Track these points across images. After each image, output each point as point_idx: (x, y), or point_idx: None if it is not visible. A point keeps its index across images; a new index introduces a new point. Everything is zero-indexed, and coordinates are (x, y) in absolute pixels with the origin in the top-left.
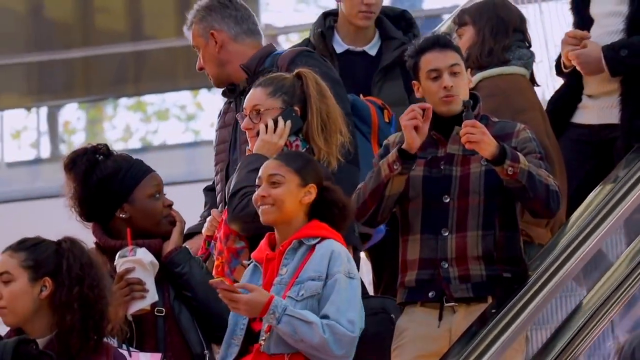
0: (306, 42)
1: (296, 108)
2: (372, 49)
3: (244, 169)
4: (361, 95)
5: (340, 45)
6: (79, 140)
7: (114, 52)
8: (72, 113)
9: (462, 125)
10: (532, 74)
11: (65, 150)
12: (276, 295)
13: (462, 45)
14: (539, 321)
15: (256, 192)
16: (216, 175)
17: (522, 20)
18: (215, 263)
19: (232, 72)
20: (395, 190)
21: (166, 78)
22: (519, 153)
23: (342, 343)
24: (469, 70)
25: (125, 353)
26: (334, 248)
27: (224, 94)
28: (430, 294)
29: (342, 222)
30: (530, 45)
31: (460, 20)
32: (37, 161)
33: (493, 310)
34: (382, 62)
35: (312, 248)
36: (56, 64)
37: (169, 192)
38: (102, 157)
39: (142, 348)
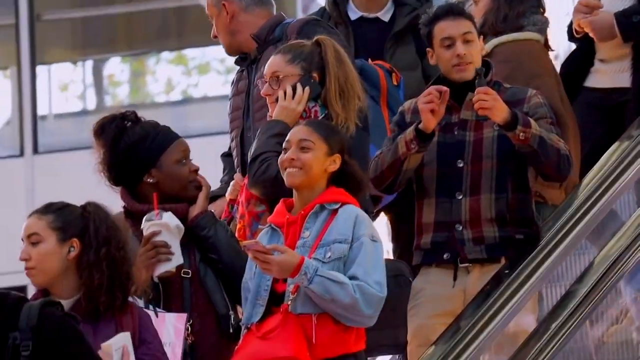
0: (322, 10)
1: (314, 74)
2: (385, 15)
3: (263, 135)
4: (369, 60)
5: (354, 12)
6: (123, 93)
7: (157, 7)
8: (116, 66)
9: (475, 92)
10: (546, 40)
11: (110, 102)
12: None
13: (478, 12)
14: (553, 278)
15: (284, 155)
16: (232, 141)
17: None
18: (237, 226)
19: (243, 41)
20: (413, 165)
21: (207, 33)
22: (530, 119)
23: (371, 303)
24: (482, 37)
25: (151, 313)
26: (358, 212)
27: (236, 62)
28: (445, 256)
29: (358, 194)
30: (544, 11)
31: None
32: (84, 112)
33: (506, 271)
34: (395, 27)
35: (333, 212)
36: (101, 19)
37: (210, 143)
38: (130, 123)
39: (169, 309)
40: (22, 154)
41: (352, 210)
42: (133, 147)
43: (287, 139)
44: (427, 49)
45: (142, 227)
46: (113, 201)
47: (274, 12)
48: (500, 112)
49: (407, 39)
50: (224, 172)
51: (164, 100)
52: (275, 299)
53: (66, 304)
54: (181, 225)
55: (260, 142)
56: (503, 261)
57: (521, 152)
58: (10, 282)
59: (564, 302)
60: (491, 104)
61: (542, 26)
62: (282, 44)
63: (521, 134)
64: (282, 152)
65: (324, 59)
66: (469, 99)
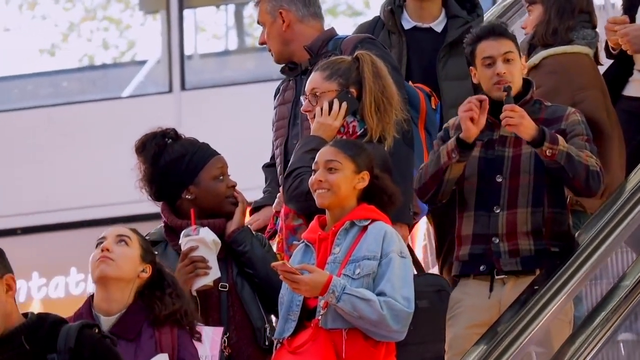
0: (376, 19)
1: (352, 90)
2: (438, 26)
3: (299, 150)
4: (410, 82)
5: (407, 22)
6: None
7: None
8: (255, 9)
9: (502, 110)
10: (596, 53)
11: (249, 42)
12: (333, 274)
13: (531, 23)
14: (595, 276)
15: (313, 177)
16: (275, 149)
17: (588, 2)
18: (277, 239)
19: (295, 51)
20: (455, 174)
21: None
22: (558, 136)
23: (399, 318)
24: (524, 56)
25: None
26: (386, 229)
27: (282, 71)
28: (482, 268)
29: (389, 208)
30: (595, 26)
31: None
32: (226, 53)
33: (535, 287)
34: (448, 38)
35: (363, 229)
36: None
37: None
38: (170, 140)
39: (206, 321)
40: (170, 90)
41: (381, 227)
42: (172, 164)
43: (315, 160)
44: (470, 67)
45: (180, 242)
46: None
47: (324, 27)
48: (527, 129)
49: (459, 50)
50: (265, 182)
51: None
52: (308, 313)
53: (111, 320)
54: (218, 240)
55: (296, 158)
56: (537, 273)
57: (549, 168)
58: None
59: (604, 303)
60: (517, 121)
61: (592, 40)
62: None
63: (548, 150)
64: (312, 173)
65: (360, 73)
66: None
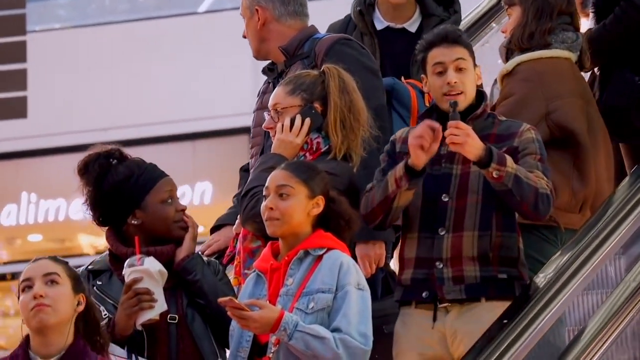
0: (348, 18)
1: (317, 105)
2: (412, 26)
3: (257, 168)
4: (402, 78)
5: (380, 22)
6: None
7: None
8: None
9: (447, 126)
10: (581, 58)
11: None
12: (285, 308)
13: (509, 26)
14: (590, 286)
15: (264, 203)
16: (252, 158)
17: (569, 2)
18: (235, 262)
19: (271, 50)
20: (404, 202)
21: None
22: (507, 156)
23: (355, 356)
24: (478, 66)
25: None
26: (342, 259)
27: (264, 71)
28: (424, 294)
29: (347, 233)
30: (577, 29)
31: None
32: None
33: (505, 321)
34: None
35: (318, 258)
36: None
37: None
38: (115, 161)
39: (153, 356)
40: None
41: (337, 257)
42: (116, 186)
43: (265, 184)
44: (422, 75)
45: (123, 273)
46: None
47: (308, 24)
48: (472, 148)
49: None
50: (238, 188)
51: None
52: (259, 349)
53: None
54: (164, 270)
55: (253, 176)
56: (483, 301)
57: (496, 191)
58: None
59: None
60: (462, 139)
61: (572, 44)
62: (309, 60)
63: (495, 172)
64: (263, 198)
65: (326, 88)
66: None
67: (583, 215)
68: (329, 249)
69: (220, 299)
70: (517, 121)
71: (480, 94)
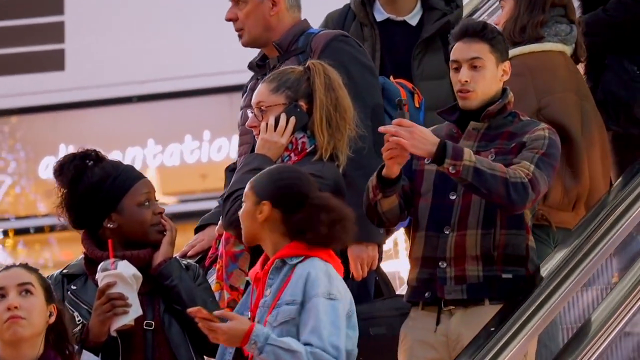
0: (347, 8)
1: (302, 103)
2: (412, 19)
3: (240, 170)
4: (391, 78)
5: (380, 14)
6: None
7: None
8: None
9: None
10: (576, 50)
11: None
12: (261, 320)
13: (502, 19)
14: (588, 282)
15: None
16: (239, 157)
17: None
18: (217, 266)
19: (271, 40)
20: (387, 208)
21: None
22: (465, 149)
23: None
24: (507, 61)
25: None
26: (310, 270)
27: (251, 67)
28: (427, 294)
29: (333, 239)
30: (572, 21)
31: None
32: None
33: (492, 329)
34: (423, 33)
35: (293, 268)
36: None
37: None
38: (91, 162)
39: None
40: None
41: (306, 267)
42: (92, 188)
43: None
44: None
45: (96, 277)
46: None
47: (301, 18)
48: (422, 144)
49: (435, 46)
50: (225, 187)
51: None
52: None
53: None
54: (138, 274)
55: (236, 178)
56: (487, 303)
57: (462, 186)
58: None
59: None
60: (407, 136)
61: (566, 36)
62: (305, 56)
63: (450, 167)
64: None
65: (311, 85)
66: (472, 128)
67: (577, 213)
68: (306, 257)
69: (189, 309)
70: (537, 121)
71: (503, 91)
